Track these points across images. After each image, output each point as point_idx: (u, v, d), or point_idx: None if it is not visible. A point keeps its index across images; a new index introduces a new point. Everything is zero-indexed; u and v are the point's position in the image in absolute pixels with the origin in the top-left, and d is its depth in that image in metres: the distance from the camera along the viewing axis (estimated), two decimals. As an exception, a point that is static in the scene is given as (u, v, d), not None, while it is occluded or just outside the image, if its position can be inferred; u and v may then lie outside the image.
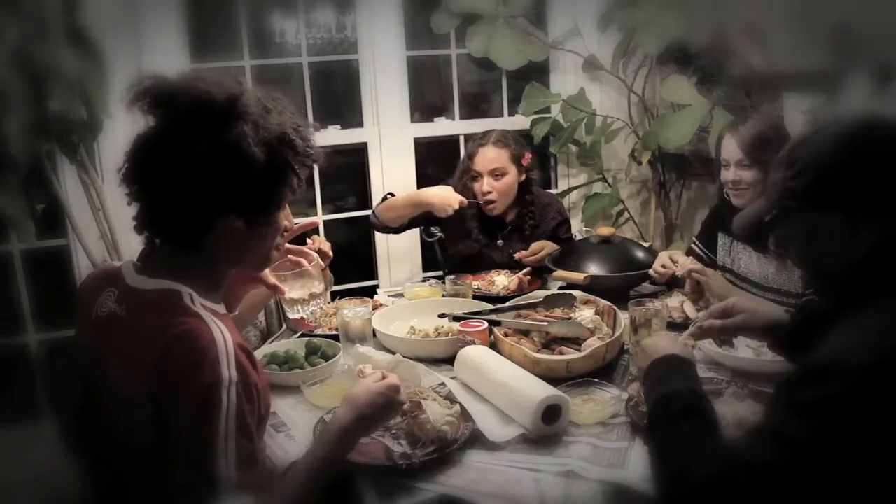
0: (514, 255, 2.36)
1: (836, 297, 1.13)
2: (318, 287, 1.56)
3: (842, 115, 1.11)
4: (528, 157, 2.45)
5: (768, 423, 0.98)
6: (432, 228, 2.49)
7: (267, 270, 1.45)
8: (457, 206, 2.29)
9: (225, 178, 1.09)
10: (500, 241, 2.51)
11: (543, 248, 2.35)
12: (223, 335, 1.07)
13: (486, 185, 2.39)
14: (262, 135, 1.10)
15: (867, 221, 1.05)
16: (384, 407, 1.25)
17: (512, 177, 2.41)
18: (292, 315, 1.61)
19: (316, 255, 1.57)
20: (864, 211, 1.05)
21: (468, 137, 2.52)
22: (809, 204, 1.11)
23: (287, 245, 1.52)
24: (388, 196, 2.46)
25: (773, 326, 1.46)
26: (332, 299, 2.19)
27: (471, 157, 2.42)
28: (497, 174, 2.39)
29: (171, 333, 1.06)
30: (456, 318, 1.83)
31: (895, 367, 0.90)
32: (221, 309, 1.21)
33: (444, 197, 2.30)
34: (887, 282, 1.02)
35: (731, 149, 1.97)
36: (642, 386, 1.33)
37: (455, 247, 2.54)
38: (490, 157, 2.39)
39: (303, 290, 1.54)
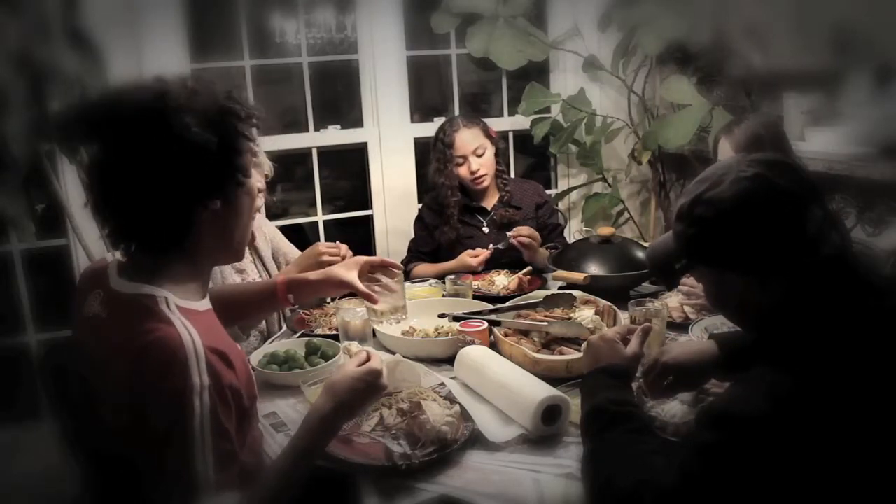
0: (509, 238, 2.38)
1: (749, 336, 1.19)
2: (400, 300, 1.58)
3: (736, 170, 1.09)
4: (493, 131, 2.59)
5: (676, 453, 1.06)
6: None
7: (358, 279, 1.50)
8: (476, 265, 2.39)
9: (187, 173, 1.10)
10: (484, 229, 2.56)
11: (535, 232, 2.40)
12: (193, 340, 1.07)
13: (473, 164, 2.51)
14: (203, 116, 1.10)
15: (764, 281, 1.07)
16: (364, 392, 1.24)
17: (491, 150, 2.55)
18: (377, 325, 1.61)
19: (399, 271, 1.60)
20: (761, 271, 1.07)
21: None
22: (708, 261, 1.13)
23: (369, 258, 1.57)
24: (409, 267, 2.58)
25: (707, 362, 1.37)
26: (332, 299, 2.19)
27: (450, 145, 2.51)
28: (479, 152, 2.51)
29: (142, 343, 1.07)
30: (456, 318, 1.84)
31: (774, 421, 0.96)
32: (201, 306, 1.20)
33: (465, 265, 2.40)
34: (782, 339, 1.05)
35: (726, 151, 1.98)
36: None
37: (436, 235, 2.59)
38: (468, 138, 2.50)
39: (385, 303, 1.56)
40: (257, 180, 1.25)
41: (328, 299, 2.16)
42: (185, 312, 1.13)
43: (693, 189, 1.13)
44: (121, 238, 1.16)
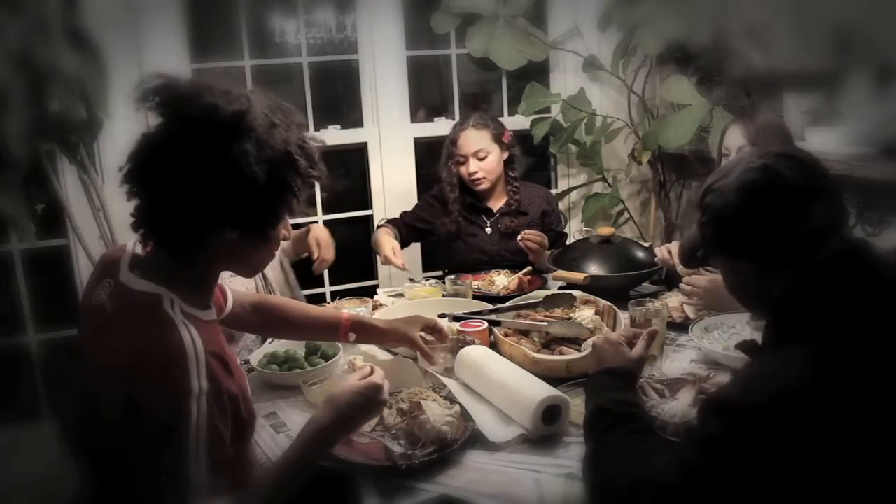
0: (519, 240, 2.37)
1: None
2: (450, 361, 1.64)
3: (746, 161, 1.10)
4: (508, 136, 2.56)
5: (677, 448, 1.05)
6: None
7: (421, 340, 1.61)
8: (389, 261, 2.36)
9: (222, 193, 1.08)
10: (487, 230, 2.56)
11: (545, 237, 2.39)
12: (194, 344, 1.07)
13: (471, 166, 2.50)
14: (265, 153, 1.08)
15: (773, 270, 1.07)
16: (363, 407, 1.23)
17: (495, 155, 2.51)
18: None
19: (448, 332, 1.69)
20: (769, 261, 1.07)
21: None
22: (719, 249, 1.15)
23: (427, 321, 1.66)
24: (380, 223, 2.61)
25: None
26: (333, 299, 2.19)
27: (454, 142, 2.52)
28: (481, 155, 2.49)
29: (143, 343, 1.06)
30: (456, 318, 1.84)
31: (780, 410, 0.94)
32: (206, 315, 1.19)
33: (385, 257, 2.36)
34: (791, 327, 1.05)
35: (735, 136, 2.02)
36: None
37: (437, 228, 2.59)
38: (472, 139, 2.49)
39: (439, 360, 1.65)
40: (283, 228, 1.23)
41: (328, 299, 2.16)
42: (189, 318, 1.12)
43: (708, 179, 1.15)
44: (141, 222, 1.13)
